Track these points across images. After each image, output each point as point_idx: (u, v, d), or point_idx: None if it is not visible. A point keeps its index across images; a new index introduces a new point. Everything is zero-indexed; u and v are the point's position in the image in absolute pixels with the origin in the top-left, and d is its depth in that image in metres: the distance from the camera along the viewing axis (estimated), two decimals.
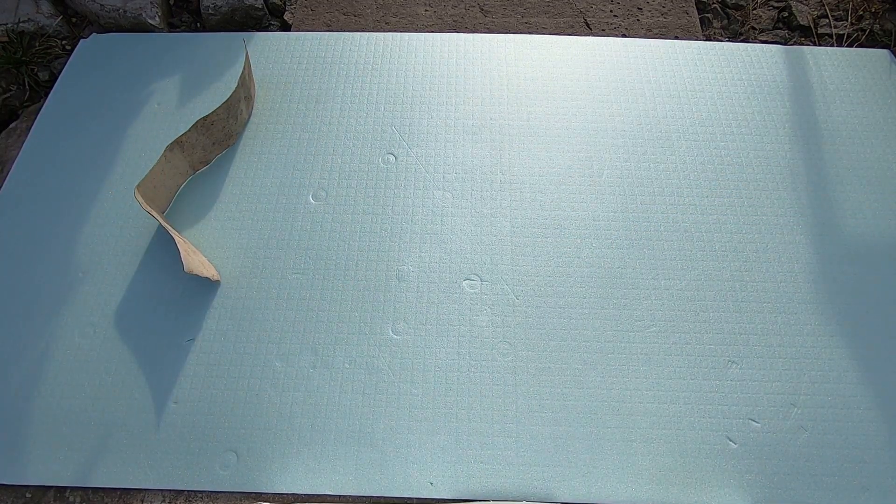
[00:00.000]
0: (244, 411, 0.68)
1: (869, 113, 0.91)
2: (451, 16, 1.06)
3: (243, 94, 0.87)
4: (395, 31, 1.03)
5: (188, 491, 0.64)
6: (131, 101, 0.93)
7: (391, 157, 0.86)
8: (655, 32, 1.03)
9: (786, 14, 1.08)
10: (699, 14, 1.07)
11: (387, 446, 0.66)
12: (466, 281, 0.77)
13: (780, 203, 0.82)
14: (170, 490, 0.64)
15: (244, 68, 0.87)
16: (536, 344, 0.72)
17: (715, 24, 1.08)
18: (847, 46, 1.01)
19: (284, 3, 1.09)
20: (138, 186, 0.75)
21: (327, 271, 0.78)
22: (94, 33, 1.02)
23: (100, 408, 0.69)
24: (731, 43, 1.01)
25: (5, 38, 1.02)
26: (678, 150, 0.87)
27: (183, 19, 1.07)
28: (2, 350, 0.73)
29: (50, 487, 0.65)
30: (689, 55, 0.97)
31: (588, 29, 1.04)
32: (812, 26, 1.05)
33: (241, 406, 0.69)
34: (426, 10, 1.07)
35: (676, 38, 1.02)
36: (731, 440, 0.66)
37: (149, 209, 0.75)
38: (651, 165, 0.86)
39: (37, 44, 1.03)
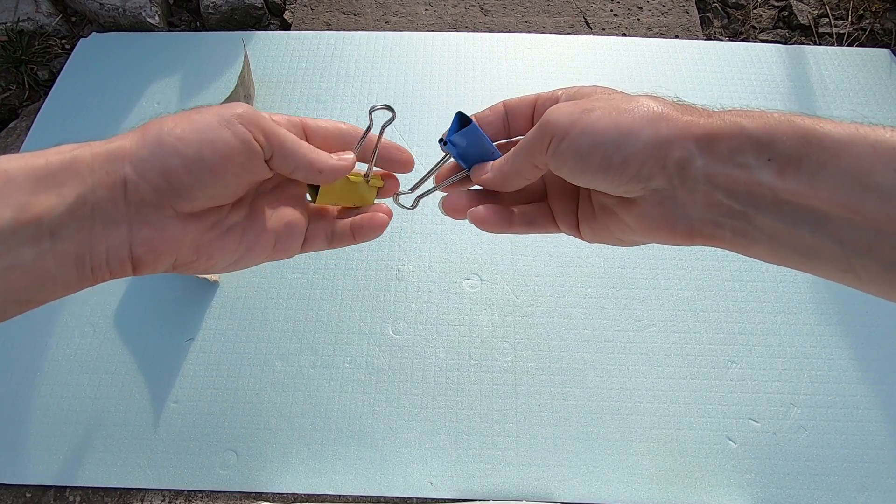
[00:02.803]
0: (244, 411, 0.68)
1: (869, 112, 0.91)
2: (451, 15, 1.06)
3: (243, 93, 0.87)
4: (394, 31, 1.03)
5: (188, 490, 0.64)
6: (131, 101, 0.93)
7: None
8: (656, 31, 1.03)
9: (786, 13, 1.07)
10: (699, 13, 1.07)
11: (387, 446, 0.66)
12: (466, 280, 0.77)
13: None
14: (170, 490, 0.64)
15: (243, 67, 0.87)
16: (536, 344, 0.72)
17: (715, 24, 1.08)
18: (847, 46, 1.01)
19: (284, 2, 1.09)
20: None
21: (327, 271, 0.77)
22: (94, 32, 1.01)
23: (100, 408, 0.69)
24: (731, 42, 1.00)
25: (5, 38, 1.02)
26: None
27: (182, 18, 1.07)
28: (1, 350, 0.72)
29: (50, 487, 0.65)
30: (690, 54, 0.97)
31: (588, 28, 1.04)
32: (812, 25, 1.05)
33: (241, 406, 0.69)
34: (426, 10, 1.07)
35: (677, 37, 1.02)
36: (731, 440, 0.66)
37: None
38: None
39: (36, 43, 1.03)
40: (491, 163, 0.30)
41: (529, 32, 1.03)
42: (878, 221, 0.20)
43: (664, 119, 0.23)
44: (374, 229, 0.31)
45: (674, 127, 0.23)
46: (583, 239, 0.30)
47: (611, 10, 1.06)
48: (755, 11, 1.08)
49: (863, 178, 0.20)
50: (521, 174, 0.28)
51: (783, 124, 0.21)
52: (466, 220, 0.31)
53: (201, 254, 0.25)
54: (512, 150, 0.28)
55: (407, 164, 0.31)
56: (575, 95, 0.27)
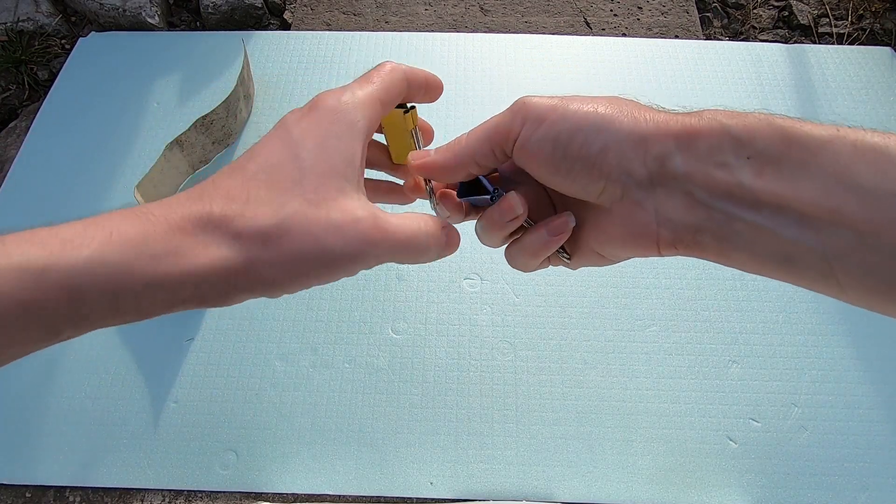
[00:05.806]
0: (244, 411, 0.68)
1: (871, 110, 0.91)
2: (450, 15, 1.06)
3: (242, 92, 0.87)
4: (394, 31, 1.03)
5: (188, 490, 0.64)
6: (130, 100, 0.93)
7: None
8: (656, 31, 1.03)
9: (786, 13, 1.07)
10: (699, 13, 1.07)
11: (387, 446, 0.66)
12: (466, 280, 0.77)
13: None
14: (170, 490, 0.64)
15: (243, 67, 0.87)
16: (536, 343, 0.72)
17: (715, 24, 1.08)
18: (848, 45, 1.01)
19: (284, 2, 1.09)
20: (138, 186, 0.74)
21: None
22: (94, 32, 1.01)
23: (100, 408, 0.68)
24: (731, 42, 1.00)
25: (4, 38, 1.02)
26: None
27: (182, 18, 1.07)
28: None
29: (50, 487, 0.65)
30: (690, 54, 0.97)
31: (588, 28, 1.04)
32: (812, 25, 1.04)
33: (241, 406, 0.69)
34: (426, 10, 1.07)
35: (677, 37, 1.02)
36: (731, 440, 0.66)
37: None
38: None
39: (36, 43, 1.03)
40: (436, 148, 0.29)
41: (529, 32, 1.03)
42: (858, 223, 0.20)
43: (643, 114, 0.23)
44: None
45: (653, 123, 0.23)
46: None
47: (611, 10, 1.06)
48: (755, 11, 1.08)
49: (843, 177, 0.20)
50: (474, 159, 0.27)
51: (763, 123, 0.22)
52: (467, 221, 0.31)
53: None
54: (468, 133, 0.28)
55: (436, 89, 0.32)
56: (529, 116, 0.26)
